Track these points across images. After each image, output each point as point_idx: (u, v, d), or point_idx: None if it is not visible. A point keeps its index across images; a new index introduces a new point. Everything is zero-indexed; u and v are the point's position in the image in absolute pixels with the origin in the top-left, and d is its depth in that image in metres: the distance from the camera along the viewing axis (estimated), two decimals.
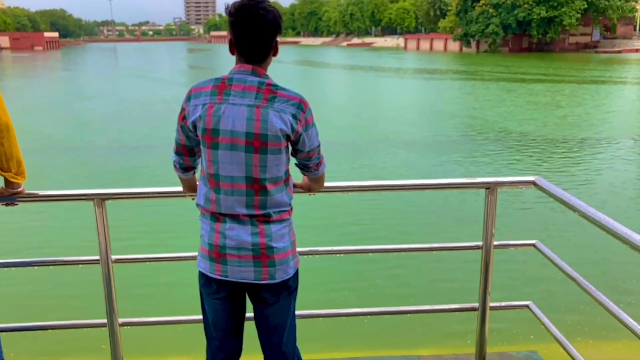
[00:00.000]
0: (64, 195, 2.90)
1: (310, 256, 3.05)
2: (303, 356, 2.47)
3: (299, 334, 2.43)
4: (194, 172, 2.39)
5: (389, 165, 13.91)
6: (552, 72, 43.83)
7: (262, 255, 2.12)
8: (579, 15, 75.91)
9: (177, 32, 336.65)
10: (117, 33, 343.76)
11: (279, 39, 2.15)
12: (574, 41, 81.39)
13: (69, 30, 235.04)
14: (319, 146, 2.25)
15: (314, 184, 2.47)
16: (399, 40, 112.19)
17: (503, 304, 3.15)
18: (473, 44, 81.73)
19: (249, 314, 2.36)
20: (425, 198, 10.61)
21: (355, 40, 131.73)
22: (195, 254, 2.29)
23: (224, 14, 2.18)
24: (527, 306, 3.07)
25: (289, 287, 2.24)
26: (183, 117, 2.13)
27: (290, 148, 2.18)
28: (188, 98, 2.11)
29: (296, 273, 2.26)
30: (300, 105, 2.08)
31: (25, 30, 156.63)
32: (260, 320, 2.30)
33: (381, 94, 32.01)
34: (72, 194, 2.90)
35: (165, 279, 7.03)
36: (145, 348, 5.43)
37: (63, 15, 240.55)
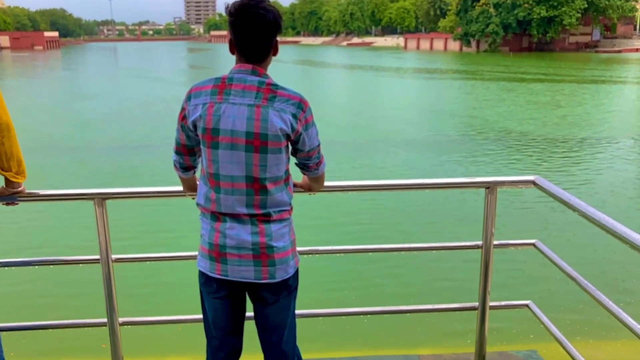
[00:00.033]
0: (64, 195, 2.91)
1: (310, 255, 3.06)
2: (303, 355, 2.47)
3: (299, 333, 2.43)
4: (194, 172, 2.39)
5: (389, 165, 13.91)
6: (552, 72, 43.82)
7: (262, 254, 2.12)
8: (579, 15, 75.94)
9: (177, 32, 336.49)
10: (117, 32, 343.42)
11: (279, 38, 2.15)
12: (574, 41, 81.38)
13: (69, 30, 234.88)
14: (319, 145, 2.25)
15: (314, 184, 2.47)
16: (399, 40, 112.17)
17: (503, 303, 3.15)
18: (473, 43, 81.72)
19: (249, 313, 2.36)
20: (425, 197, 10.61)
21: (356, 40, 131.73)
22: (196, 253, 2.29)
23: (224, 14, 2.18)
24: (527, 305, 3.08)
25: (289, 287, 2.24)
26: (183, 117, 2.13)
27: (290, 147, 2.18)
28: (188, 98, 2.11)
29: (296, 272, 2.26)
30: (301, 105, 2.08)
31: (25, 29, 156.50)
32: (260, 320, 2.31)
33: (381, 94, 32.01)
34: (73, 193, 2.91)
35: (165, 279, 7.04)
36: (145, 347, 5.43)
37: (63, 15, 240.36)
